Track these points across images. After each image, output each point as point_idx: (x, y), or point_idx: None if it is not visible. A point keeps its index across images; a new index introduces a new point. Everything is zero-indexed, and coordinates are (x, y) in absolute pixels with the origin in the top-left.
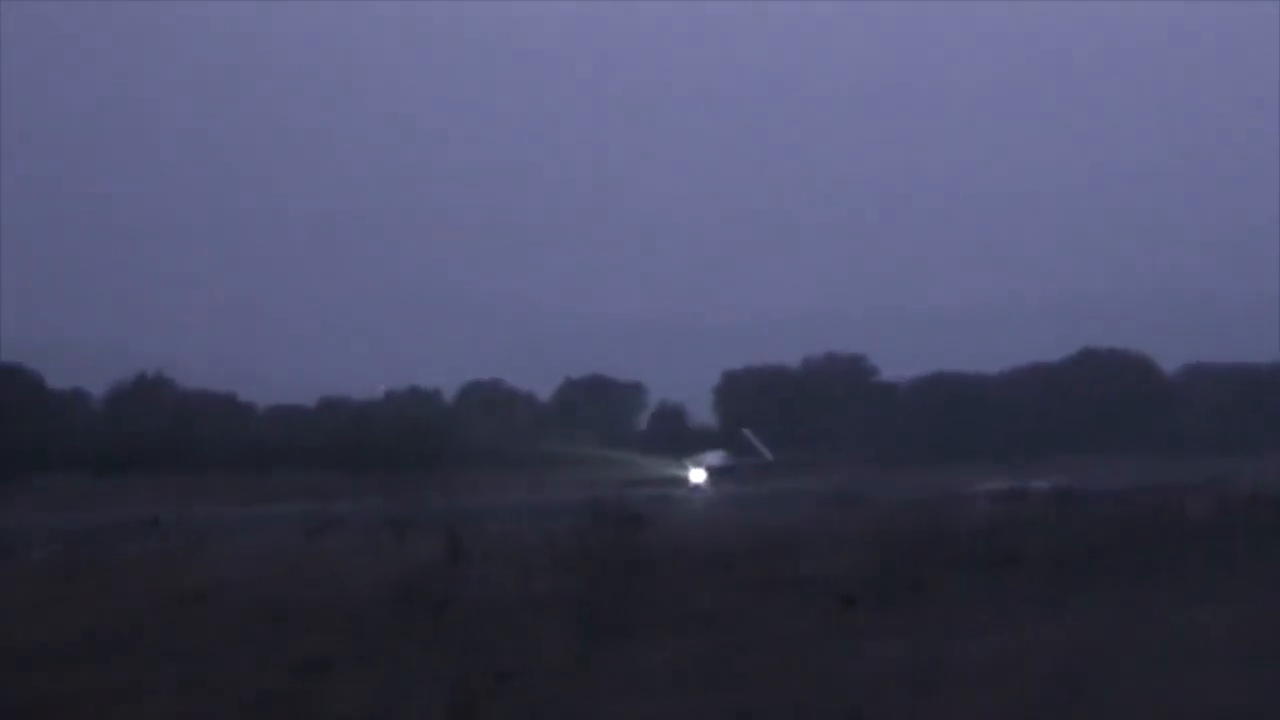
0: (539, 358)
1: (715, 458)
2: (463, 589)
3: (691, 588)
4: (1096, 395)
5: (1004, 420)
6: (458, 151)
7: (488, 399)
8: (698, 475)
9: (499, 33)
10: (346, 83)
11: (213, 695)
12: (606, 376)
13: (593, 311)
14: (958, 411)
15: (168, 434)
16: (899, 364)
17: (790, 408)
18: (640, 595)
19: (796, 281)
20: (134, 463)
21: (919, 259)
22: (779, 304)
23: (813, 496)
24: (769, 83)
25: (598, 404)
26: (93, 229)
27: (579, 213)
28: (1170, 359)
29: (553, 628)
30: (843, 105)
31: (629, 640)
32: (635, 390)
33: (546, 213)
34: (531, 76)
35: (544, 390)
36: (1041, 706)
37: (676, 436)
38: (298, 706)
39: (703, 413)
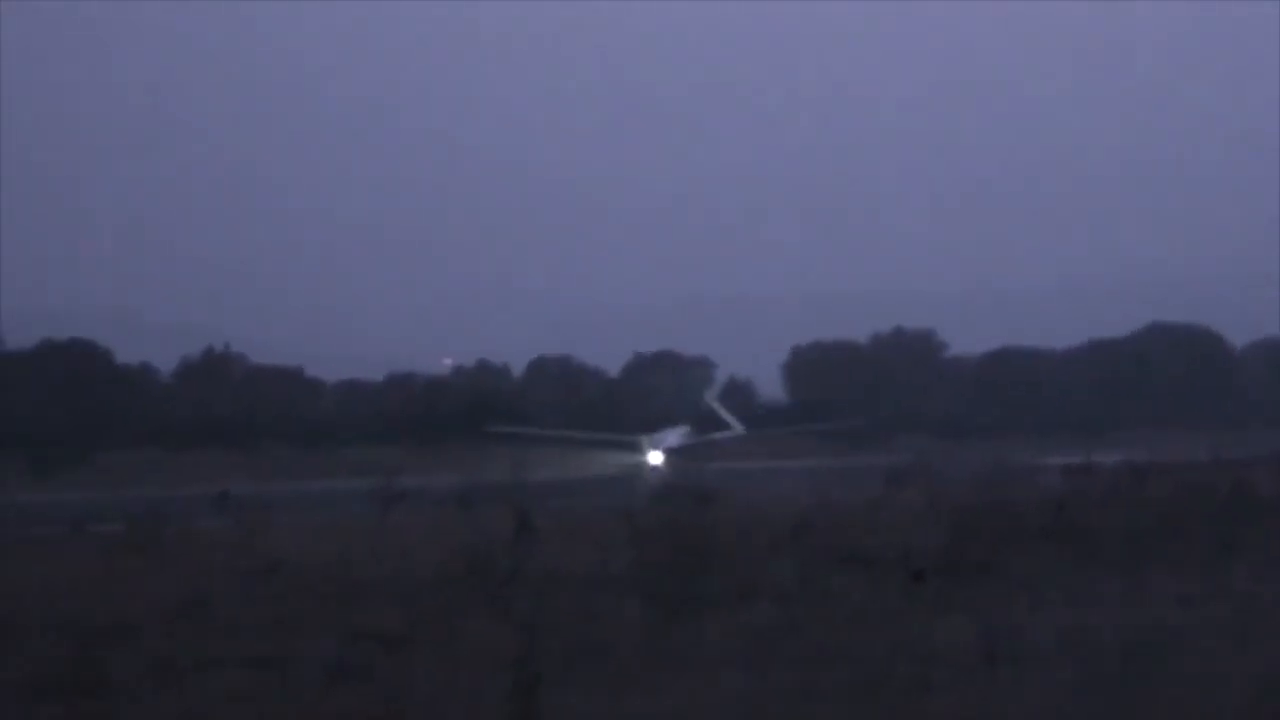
0: (608, 334)
1: (675, 436)
2: (531, 563)
3: (761, 563)
4: (1164, 370)
5: (1072, 395)
6: (531, 134)
7: (556, 374)
8: (656, 457)
9: (568, 33)
10: (420, 69)
11: (283, 669)
12: (675, 352)
13: (663, 287)
14: (1026, 386)
15: (237, 409)
16: (968, 340)
17: (859, 383)
18: (708, 569)
19: (867, 259)
20: (203, 437)
21: (989, 238)
22: (849, 281)
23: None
24: (847, 68)
25: (666, 379)
26: (164, 208)
27: (649, 190)
28: (1238, 334)
29: (622, 602)
30: (913, 91)
31: (698, 614)
32: (704, 365)
33: (617, 190)
34: (595, 65)
35: (613, 366)
36: (1112, 681)
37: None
38: (368, 680)
39: (771, 388)
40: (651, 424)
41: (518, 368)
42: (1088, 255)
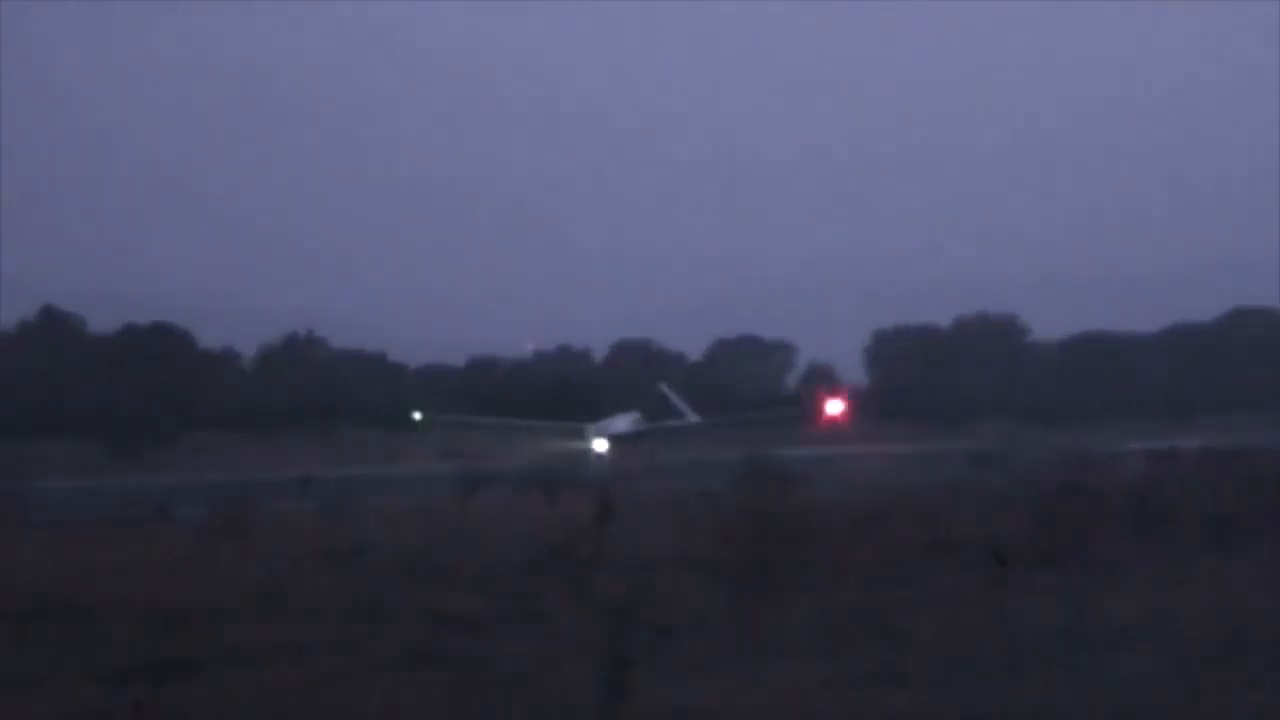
0: (690, 318)
1: (623, 423)
2: (614, 547)
3: (845, 547)
4: (1247, 355)
5: (1154, 379)
6: (611, 120)
7: (637, 359)
8: (600, 444)
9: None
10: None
11: (367, 652)
12: (756, 336)
13: (744, 272)
14: (1108, 371)
15: (319, 393)
16: (1051, 325)
17: (940, 367)
18: (792, 554)
19: (950, 245)
20: (285, 422)
21: (1072, 222)
22: (931, 266)
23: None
24: (928, 54)
25: (747, 363)
26: (246, 195)
27: (731, 174)
28: None
29: (705, 585)
30: (994, 78)
31: (783, 599)
32: (785, 350)
33: (699, 174)
34: (690, 49)
35: (694, 350)
36: (1196, 664)
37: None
38: (452, 664)
39: (853, 372)
40: (743, 407)
41: (599, 352)
42: (1171, 240)
